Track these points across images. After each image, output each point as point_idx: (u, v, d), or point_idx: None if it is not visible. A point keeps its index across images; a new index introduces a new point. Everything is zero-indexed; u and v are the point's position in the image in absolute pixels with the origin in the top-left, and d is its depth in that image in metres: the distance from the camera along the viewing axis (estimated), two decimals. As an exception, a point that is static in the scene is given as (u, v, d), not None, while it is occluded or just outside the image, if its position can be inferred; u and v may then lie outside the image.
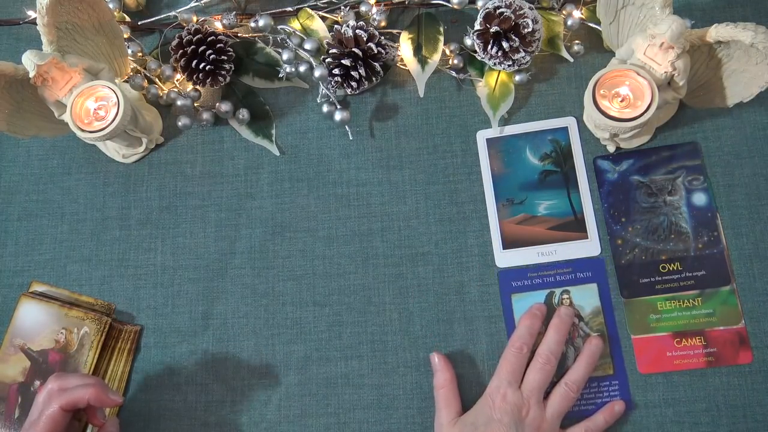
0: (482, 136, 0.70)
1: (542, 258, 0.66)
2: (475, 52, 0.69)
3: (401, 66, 0.72)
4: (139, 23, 0.76)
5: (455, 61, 0.71)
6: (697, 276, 0.64)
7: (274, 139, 0.73)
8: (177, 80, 0.74)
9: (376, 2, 0.72)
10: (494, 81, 0.71)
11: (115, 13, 0.74)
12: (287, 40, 0.73)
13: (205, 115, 0.72)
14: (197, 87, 0.73)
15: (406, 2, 0.73)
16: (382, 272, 0.68)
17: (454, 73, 0.71)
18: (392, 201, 0.69)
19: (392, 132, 0.71)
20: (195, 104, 0.74)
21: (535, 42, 0.67)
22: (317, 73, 0.70)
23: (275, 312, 0.68)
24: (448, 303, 0.66)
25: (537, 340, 0.63)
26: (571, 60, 0.70)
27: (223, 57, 0.70)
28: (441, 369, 0.63)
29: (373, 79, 0.70)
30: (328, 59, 0.69)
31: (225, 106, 0.72)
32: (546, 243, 0.67)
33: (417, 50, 0.71)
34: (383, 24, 0.72)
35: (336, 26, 0.70)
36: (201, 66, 0.69)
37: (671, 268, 0.64)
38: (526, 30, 0.65)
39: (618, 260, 0.65)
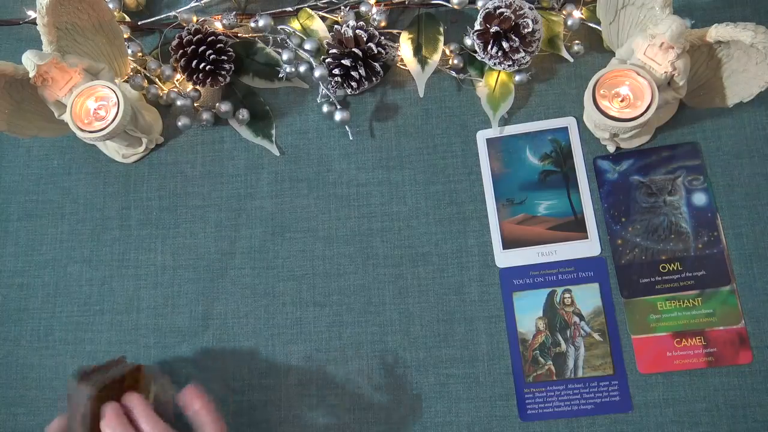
0: (482, 136, 0.70)
1: (542, 258, 0.66)
2: (475, 52, 0.69)
3: (401, 66, 0.72)
4: (139, 23, 0.76)
5: (455, 61, 0.71)
6: (697, 276, 0.64)
7: (274, 139, 0.73)
8: (177, 80, 0.74)
9: (376, 2, 0.72)
10: (494, 81, 0.71)
11: (115, 13, 0.74)
12: (287, 40, 0.73)
13: (205, 115, 0.72)
14: (197, 87, 0.73)
15: (406, 2, 0.73)
16: (382, 272, 0.68)
17: (454, 73, 0.71)
18: (392, 201, 0.69)
19: (392, 132, 0.71)
20: (195, 104, 0.74)
21: (535, 42, 0.67)
22: (317, 73, 0.70)
23: (275, 312, 0.68)
24: (448, 303, 0.66)
25: None
26: (571, 60, 0.70)
27: (223, 57, 0.70)
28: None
29: (373, 79, 0.70)
30: (328, 59, 0.69)
31: (225, 106, 0.72)
32: (546, 243, 0.67)
33: (417, 50, 0.71)
34: (383, 24, 0.72)
35: (336, 26, 0.70)
36: (201, 66, 0.69)
37: (671, 268, 0.64)
38: (526, 30, 0.65)
39: (618, 260, 0.65)
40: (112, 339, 0.69)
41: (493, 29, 0.66)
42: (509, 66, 0.67)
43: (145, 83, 0.74)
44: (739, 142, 0.67)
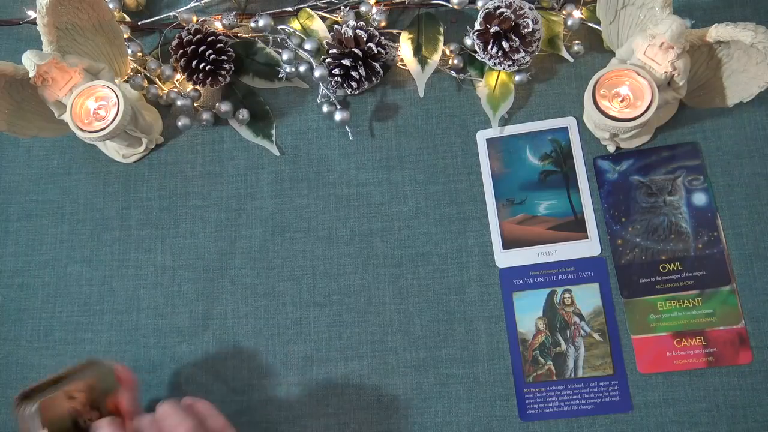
0: (482, 136, 0.70)
1: (542, 258, 0.66)
2: (475, 52, 0.69)
3: (401, 66, 0.72)
4: (139, 23, 0.76)
5: (455, 61, 0.71)
6: (697, 276, 0.64)
7: (274, 139, 0.73)
8: (177, 80, 0.74)
9: (376, 2, 0.72)
10: (494, 81, 0.71)
11: (115, 13, 0.74)
12: (287, 40, 0.73)
13: (205, 115, 0.72)
14: (197, 87, 0.73)
15: (406, 2, 0.73)
16: (382, 272, 0.68)
17: (454, 73, 0.71)
18: (392, 201, 0.70)
19: (392, 132, 0.71)
20: (195, 104, 0.74)
21: (535, 42, 0.67)
22: (317, 73, 0.70)
23: (275, 312, 0.68)
24: (448, 303, 0.66)
25: None
26: (571, 60, 0.70)
27: (223, 57, 0.70)
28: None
29: (373, 79, 0.70)
30: (328, 59, 0.69)
31: (225, 106, 0.72)
32: (546, 243, 0.67)
33: (417, 50, 0.71)
34: (383, 24, 0.72)
35: (336, 26, 0.70)
36: (201, 66, 0.69)
37: (671, 268, 0.64)
38: (526, 30, 0.65)
39: (618, 260, 0.65)
40: (112, 339, 0.69)
41: (493, 29, 0.66)
42: (509, 66, 0.67)
43: (145, 83, 0.74)
44: (739, 142, 0.67)
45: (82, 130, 0.65)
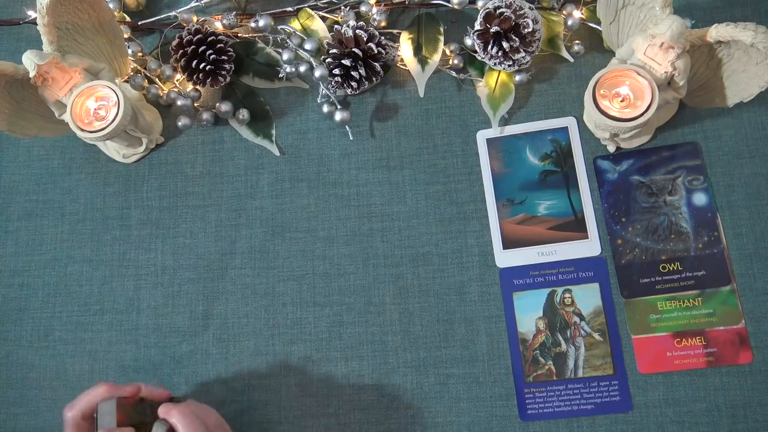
0: (482, 136, 0.70)
1: (542, 258, 0.66)
2: (475, 52, 0.69)
3: (401, 66, 0.72)
4: (139, 23, 0.76)
5: (455, 61, 0.71)
6: (697, 276, 0.64)
7: (274, 139, 0.73)
8: (177, 80, 0.74)
9: (376, 2, 0.72)
10: (494, 81, 0.71)
11: (115, 13, 0.74)
12: (287, 40, 0.73)
13: (205, 115, 0.72)
14: (197, 87, 0.73)
15: (406, 2, 0.73)
16: (382, 272, 0.68)
17: (454, 73, 0.71)
18: (392, 201, 0.70)
19: (392, 132, 0.71)
20: (195, 104, 0.74)
21: (536, 42, 0.67)
22: (317, 73, 0.70)
23: (275, 312, 0.68)
24: (448, 303, 0.66)
25: None
26: (572, 60, 0.70)
27: (223, 57, 0.70)
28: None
29: (373, 79, 0.70)
30: (328, 59, 0.69)
31: (225, 106, 0.72)
32: (546, 243, 0.67)
33: (417, 50, 0.71)
34: (383, 24, 0.72)
35: (336, 26, 0.70)
36: (201, 66, 0.69)
37: (671, 268, 0.64)
38: (526, 30, 0.65)
39: (618, 260, 0.65)
40: (112, 339, 0.69)
41: (494, 29, 0.66)
42: (509, 66, 0.67)
43: (146, 83, 0.74)
44: (739, 142, 0.67)
45: (83, 130, 0.65)
